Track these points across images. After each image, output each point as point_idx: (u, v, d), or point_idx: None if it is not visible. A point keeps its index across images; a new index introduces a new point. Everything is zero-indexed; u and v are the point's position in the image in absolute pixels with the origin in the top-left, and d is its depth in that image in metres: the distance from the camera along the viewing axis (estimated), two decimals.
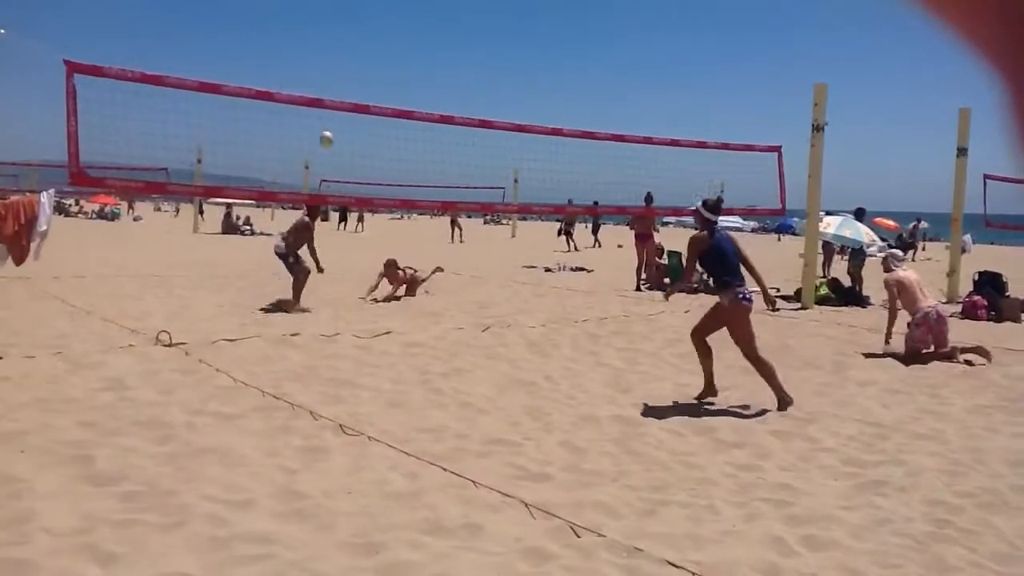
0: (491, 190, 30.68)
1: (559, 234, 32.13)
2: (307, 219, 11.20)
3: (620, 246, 30.94)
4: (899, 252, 10.22)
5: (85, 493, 4.29)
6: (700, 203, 7.05)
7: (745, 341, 6.77)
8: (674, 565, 3.69)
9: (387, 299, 12.21)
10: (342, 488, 4.53)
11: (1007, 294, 13.88)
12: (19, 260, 9.63)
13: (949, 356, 9.02)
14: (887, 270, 9.56)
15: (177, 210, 57.39)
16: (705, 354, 6.98)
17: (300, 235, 11.27)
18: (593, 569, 3.65)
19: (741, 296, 6.70)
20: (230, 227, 34.08)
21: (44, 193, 9.32)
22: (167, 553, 3.60)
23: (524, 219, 52.38)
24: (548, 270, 19.35)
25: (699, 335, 7.01)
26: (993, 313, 13.06)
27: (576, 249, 28.97)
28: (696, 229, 7.18)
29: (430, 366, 7.79)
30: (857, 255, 15.66)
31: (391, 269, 12.64)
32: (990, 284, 14.13)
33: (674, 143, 12.90)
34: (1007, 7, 0.31)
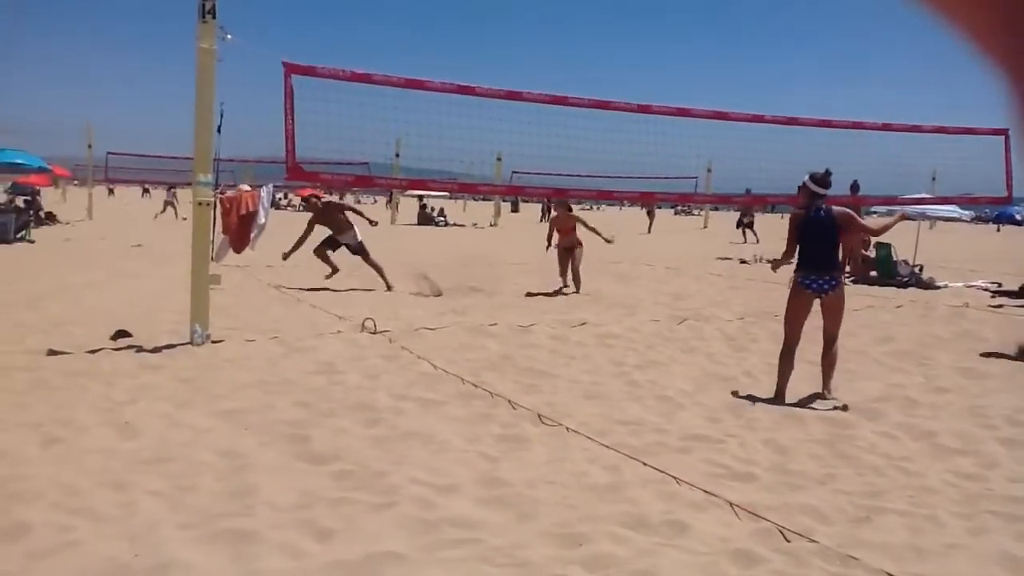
0: (683, 180, 30.22)
1: (737, 226, 30.93)
2: (314, 204, 12.14)
3: None
4: None
5: (302, 470, 4.53)
6: (807, 177, 6.62)
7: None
8: None
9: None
10: (542, 478, 4.55)
11: None
12: (239, 250, 10.34)
13: None
14: None
15: (375, 202, 60.07)
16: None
17: (333, 221, 11.86)
18: None
19: (800, 280, 6.54)
20: (425, 218, 35.29)
21: (264, 188, 9.95)
22: (379, 532, 3.74)
23: (716, 209, 51.22)
24: (743, 262, 18.79)
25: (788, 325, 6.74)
26: None
27: (757, 241, 27.57)
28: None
29: (626, 358, 7.72)
30: None
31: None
32: None
33: (885, 127, 12.15)
34: (1012, 8, 0.31)
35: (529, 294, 12.04)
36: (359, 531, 3.75)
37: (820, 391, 6.53)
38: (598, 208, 67.14)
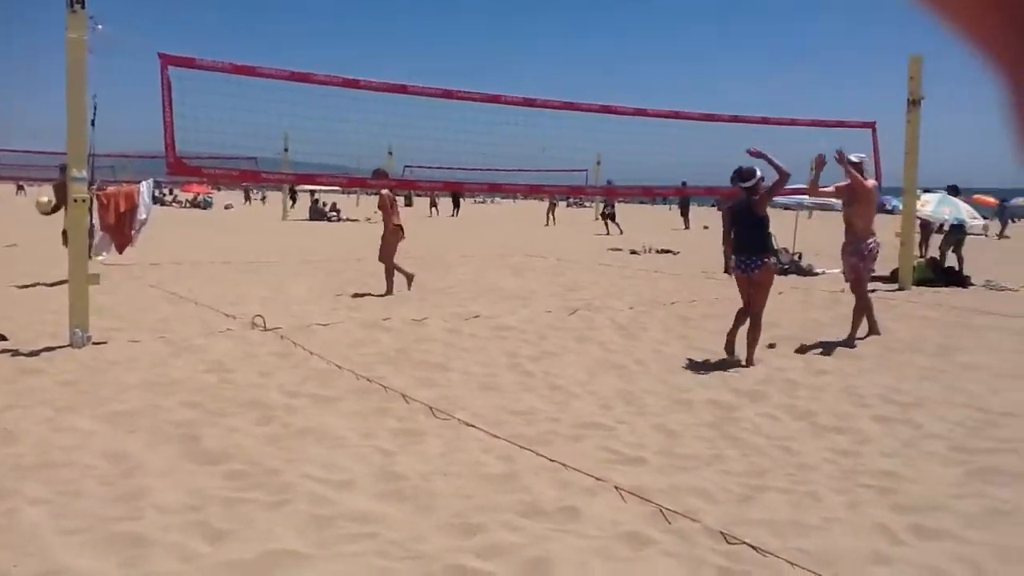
0: (574, 172, 30.59)
1: (600, 217, 30.40)
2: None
3: (706, 227, 30.46)
4: None
5: (193, 471, 4.42)
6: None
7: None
8: (775, 555, 3.61)
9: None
10: (438, 470, 4.57)
11: None
12: (121, 248, 9.98)
13: None
14: None
15: (263, 197, 58.64)
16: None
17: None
18: (694, 555, 3.59)
19: (733, 263, 7.59)
20: (317, 213, 34.73)
21: (143, 183, 9.63)
22: (273, 530, 3.69)
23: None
24: (634, 252, 19.19)
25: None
26: None
27: (621, 232, 27.36)
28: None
29: (520, 349, 7.80)
30: (955, 232, 15.11)
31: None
32: None
33: (764, 120, 12.58)
34: (1011, 10, 0.32)
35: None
36: (253, 530, 3.69)
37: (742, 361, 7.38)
38: (492, 200, 67.34)
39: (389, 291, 11.21)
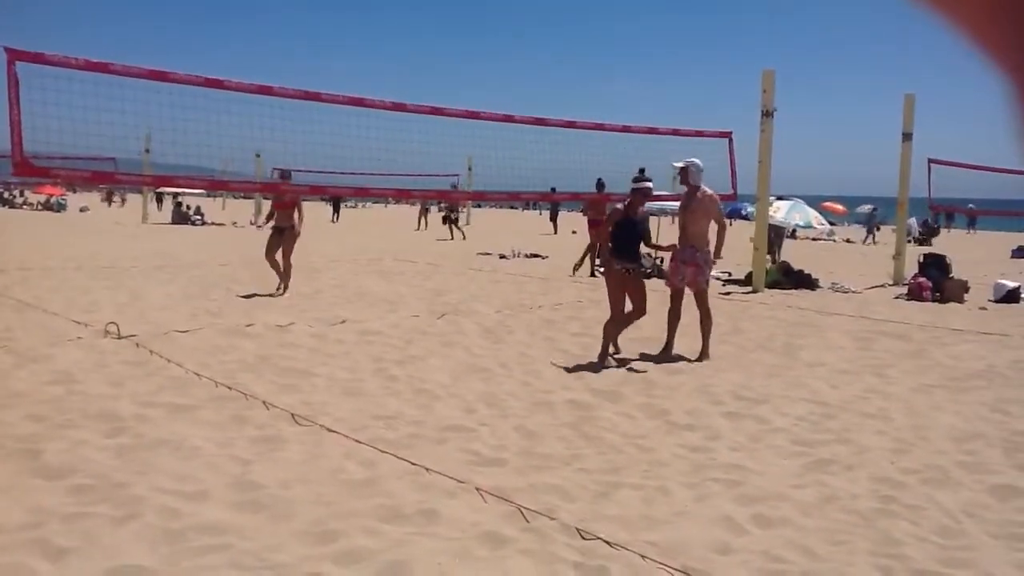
0: (445, 177, 30.61)
1: (443, 222, 28.69)
2: None
3: (574, 232, 31.03)
4: None
5: (34, 487, 4.23)
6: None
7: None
8: (627, 548, 3.75)
9: None
10: (297, 477, 4.53)
11: (951, 276, 14.20)
12: None
13: None
14: None
15: (123, 200, 56.16)
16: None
17: None
18: (549, 552, 3.69)
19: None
20: (180, 217, 33.57)
21: None
22: (120, 546, 3.58)
23: (479, 206, 52.32)
24: (503, 257, 19.38)
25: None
26: (938, 294, 13.37)
27: (464, 238, 26.40)
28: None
29: (385, 354, 7.78)
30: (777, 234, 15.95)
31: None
32: (935, 266, 14.45)
33: (626, 129, 12.97)
34: (1018, 12, 0.31)
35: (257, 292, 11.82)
36: (97, 547, 3.56)
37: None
38: (363, 205, 66.62)
39: (286, 287, 11.80)
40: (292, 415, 5.67)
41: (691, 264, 8.21)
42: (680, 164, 8.56)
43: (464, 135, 11.74)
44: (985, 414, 6.22)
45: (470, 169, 31.03)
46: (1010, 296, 13.41)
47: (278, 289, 11.66)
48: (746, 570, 3.56)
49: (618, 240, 7.97)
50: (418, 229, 33.01)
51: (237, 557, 3.53)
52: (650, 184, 8.11)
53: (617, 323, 7.95)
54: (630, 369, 7.53)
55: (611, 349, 7.91)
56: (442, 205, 56.10)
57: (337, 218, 38.86)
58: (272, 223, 12.06)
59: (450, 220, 27.84)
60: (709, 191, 8.40)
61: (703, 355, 8.11)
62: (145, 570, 3.38)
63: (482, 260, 18.49)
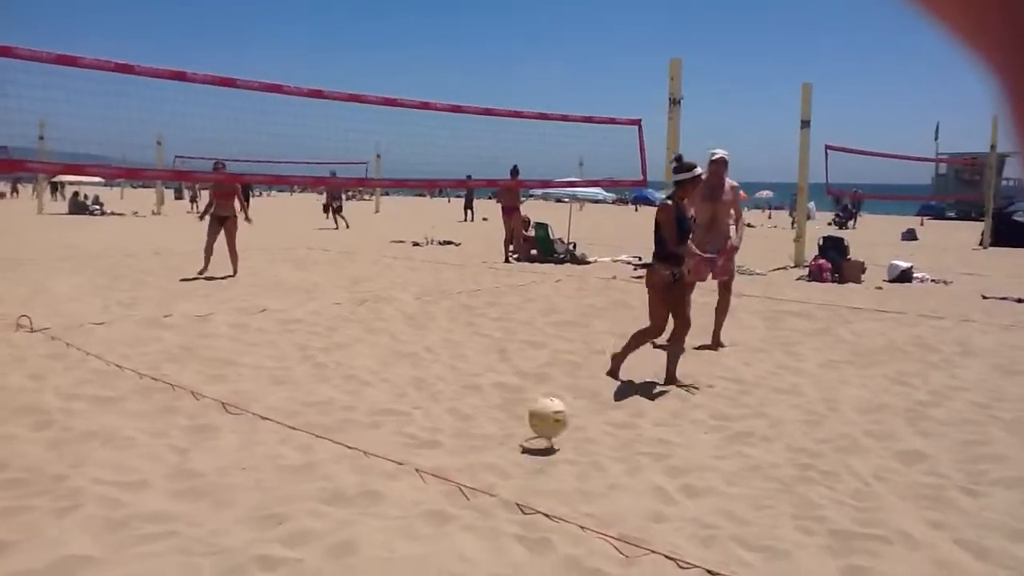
0: (354, 165, 30.33)
1: (324, 211, 27.65)
2: None
3: (485, 219, 31.18)
4: None
5: None
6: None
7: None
8: (566, 521, 3.90)
9: None
10: (235, 464, 4.54)
11: (848, 257, 14.84)
12: None
13: None
14: None
15: (15, 190, 53.73)
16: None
17: None
18: (492, 527, 3.82)
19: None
20: (78, 207, 32.38)
21: None
22: (63, 537, 3.55)
23: (387, 194, 51.94)
24: (416, 244, 19.39)
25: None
26: (836, 275, 13.98)
27: (348, 227, 25.49)
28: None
29: (310, 341, 7.78)
30: None
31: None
32: (833, 248, 15.07)
33: (541, 116, 13.13)
34: (1010, 12, 0.30)
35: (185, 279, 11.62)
36: (41, 539, 3.53)
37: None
38: (269, 194, 65.32)
39: (235, 271, 12.50)
40: (222, 404, 5.65)
41: (723, 253, 8.03)
42: (721, 154, 8.07)
43: (381, 122, 11.72)
44: (888, 386, 6.61)
45: (379, 157, 30.87)
46: (903, 276, 14.14)
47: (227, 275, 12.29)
48: (681, 536, 3.75)
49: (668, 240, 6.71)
50: (327, 218, 32.63)
51: (184, 543, 3.55)
52: (700, 170, 6.84)
53: (649, 335, 6.82)
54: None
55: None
56: (349, 193, 55.48)
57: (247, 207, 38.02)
58: (211, 213, 12.69)
59: (332, 208, 26.58)
60: (734, 183, 8.23)
61: (717, 343, 8.09)
62: (93, 560, 3.38)
63: (396, 248, 18.46)
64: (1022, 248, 22.37)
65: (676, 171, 6.70)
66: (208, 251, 12.45)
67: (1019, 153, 0.29)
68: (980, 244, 23.21)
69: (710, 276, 8.17)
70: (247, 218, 13.14)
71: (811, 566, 3.48)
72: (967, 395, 6.34)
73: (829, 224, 32.39)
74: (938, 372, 7.09)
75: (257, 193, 47.33)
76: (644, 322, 6.84)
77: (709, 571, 3.41)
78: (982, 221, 25.17)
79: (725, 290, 8.30)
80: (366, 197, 52.93)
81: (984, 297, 12.16)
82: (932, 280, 14.36)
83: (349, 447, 4.87)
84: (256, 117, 9.79)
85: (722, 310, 8.28)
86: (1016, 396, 6.32)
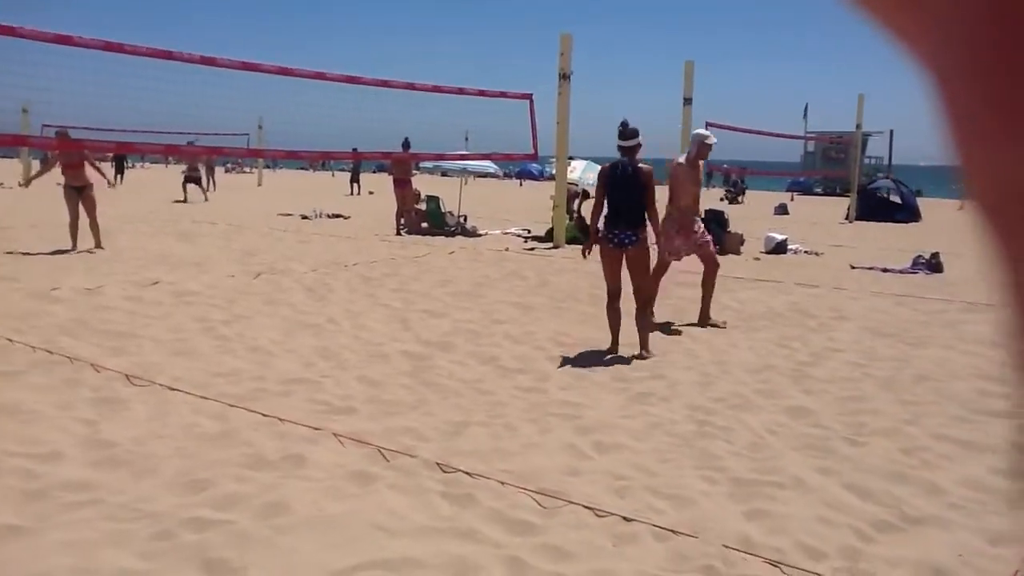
0: (236, 136, 29.59)
1: (184, 184, 24.86)
2: None
3: (372, 192, 30.91)
4: None
5: None
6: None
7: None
8: (486, 477, 4.08)
9: None
10: (150, 434, 4.53)
11: (728, 230, 15.48)
12: None
13: None
14: None
15: None
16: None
17: None
18: (416, 484, 3.97)
19: (603, 235, 6.76)
20: None
21: None
22: None
23: (269, 167, 50.68)
24: (305, 217, 19.12)
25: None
26: (718, 247, 14.57)
27: (206, 199, 24.11)
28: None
29: (209, 314, 7.68)
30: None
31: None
32: (715, 221, 15.68)
33: (436, 89, 13.19)
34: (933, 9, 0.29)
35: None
36: None
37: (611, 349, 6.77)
38: (142, 165, 62.70)
39: (98, 243, 11.86)
40: (126, 376, 5.58)
41: (683, 234, 7.99)
42: (714, 140, 8.05)
43: (269, 92, 11.56)
44: (772, 349, 7.04)
45: (260, 127, 30.17)
46: (779, 248, 14.87)
47: (92, 249, 11.71)
48: (596, 487, 3.99)
49: (608, 203, 6.70)
50: (205, 190, 31.67)
51: (111, 511, 3.56)
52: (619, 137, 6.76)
53: (612, 312, 6.83)
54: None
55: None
56: (228, 164, 53.84)
57: (121, 179, 36.24)
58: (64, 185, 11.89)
59: (192, 180, 24.70)
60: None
61: (706, 319, 7.98)
62: (18, 528, 3.36)
63: (284, 221, 18.18)
64: (884, 222, 23.74)
65: (621, 136, 6.71)
66: (73, 227, 11.62)
67: (950, 147, 0.28)
68: (846, 218, 24.48)
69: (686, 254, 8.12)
70: (110, 183, 12.54)
71: (717, 511, 3.77)
72: (843, 356, 6.83)
73: (721, 200, 33.56)
74: (816, 335, 7.58)
75: (130, 164, 45.33)
76: (536, 291, 7.06)
77: (625, 518, 3.65)
78: (847, 197, 26.53)
79: (714, 264, 8.15)
80: (247, 170, 51.55)
81: (852, 267, 12.92)
82: (805, 251, 15.14)
83: (264, 415, 4.91)
84: (143, 84, 9.50)
85: (712, 283, 8.09)
86: (887, 356, 6.85)
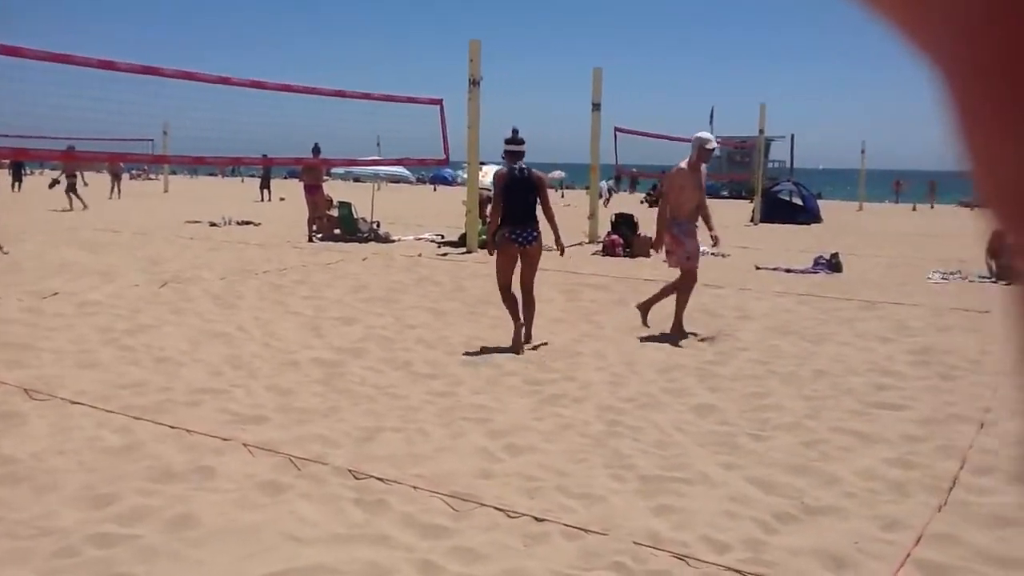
0: (140, 142, 28.76)
1: (63, 189, 23.19)
2: None
3: (283, 199, 30.45)
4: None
5: None
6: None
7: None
8: (399, 483, 4.09)
9: None
10: (51, 449, 4.40)
11: (639, 233, 15.76)
12: None
13: None
14: None
15: None
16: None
17: None
18: (328, 493, 3.95)
19: (507, 234, 7.11)
20: None
21: None
22: None
23: (175, 173, 49.43)
24: (214, 224, 18.73)
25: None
26: (628, 250, 14.85)
27: (85, 207, 22.35)
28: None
29: (113, 324, 7.48)
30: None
31: None
32: (625, 224, 15.96)
33: (339, 94, 13.09)
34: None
35: None
36: None
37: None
38: (40, 172, 60.35)
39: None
40: (25, 390, 5.40)
41: (693, 238, 7.88)
42: (716, 145, 8.04)
43: (173, 97, 11.30)
44: (680, 349, 7.22)
45: (165, 133, 29.39)
46: None
47: None
48: (507, 489, 4.04)
49: (508, 205, 7.14)
50: (110, 197, 30.72)
51: (10, 528, 3.46)
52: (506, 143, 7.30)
53: (511, 305, 7.18)
54: None
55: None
56: (133, 171, 52.23)
57: (19, 187, 34.59)
58: None
59: (67, 187, 23.13)
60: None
61: (679, 330, 7.80)
62: None
63: (192, 228, 17.77)
64: (787, 223, 24.49)
65: (508, 142, 7.23)
66: None
67: (957, 145, 0.28)
68: (751, 220, 25.17)
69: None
70: None
71: (626, 508, 3.87)
72: (748, 354, 7.05)
73: (642, 202, 34.32)
74: (722, 335, 7.80)
75: (28, 172, 43.56)
76: (450, 296, 7.09)
77: (536, 518, 3.71)
78: (751, 200, 27.28)
79: (694, 274, 7.93)
80: (152, 177, 50.17)
81: (757, 268, 13.31)
82: (712, 253, 15.50)
83: (171, 426, 4.82)
84: (41, 90, 9.20)
85: (685, 293, 7.92)
86: (790, 353, 7.10)
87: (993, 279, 12.05)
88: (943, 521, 3.81)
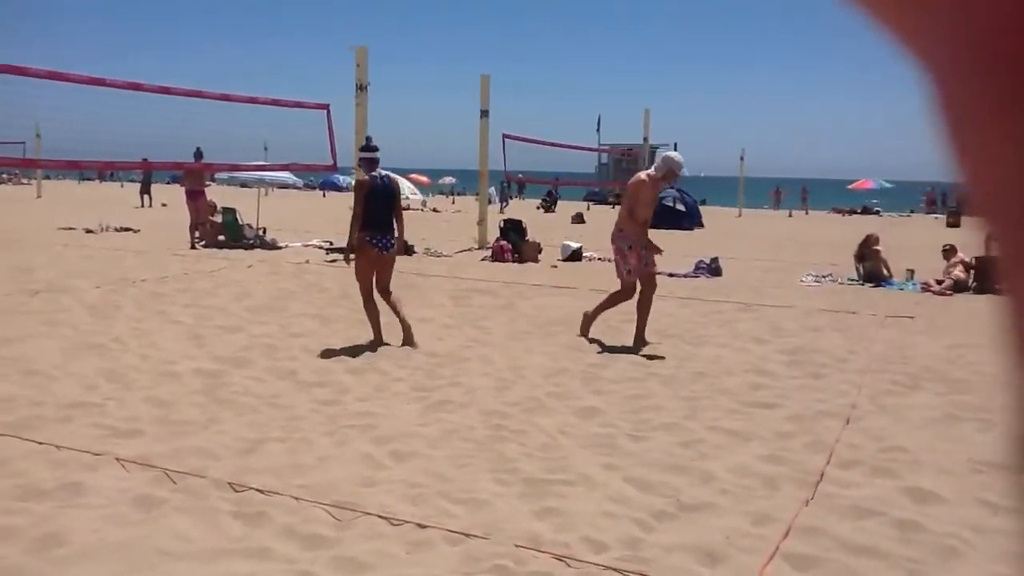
0: (7, 144, 27.36)
1: None
2: None
3: (164, 204, 29.50)
4: None
5: None
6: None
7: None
8: (280, 494, 4.04)
9: None
10: None
11: (527, 239, 15.93)
12: None
13: None
14: None
15: None
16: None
17: None
18: (205, 506, 3.87)
19: (367, 239, 7.34)
20: None
21: None
22: None
23: (48, 177, 47.23)
24: (90, 231, 17.99)
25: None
26: (516, 255, 14.98)
27: None
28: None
29: None
30: None
31: None
32: (513, 230, 16.11)
33: (225, 97, 12.79)
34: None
35: None
36: None
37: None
38: None
39: None
40: None
41: (652, 249, 7.87)
42: (686, 172, 8.20)
43: (48, 98, 10.84)
44: (566, 353, 7.34)
45: (38, 136, 28.09)
46: (574, 255, 15.45)
47: None
48: (391, 497, 4.03)
49: (368, 211, 7.32)
50: None
51: None
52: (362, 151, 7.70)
53: (372, 308, 7.52)
54: None
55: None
56: (3, 175, 49.58)
57: None
58: None
59: None
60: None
61: (641, 341, 7.74)
62: None
63: (66, 235, 17.02)
64: (671, 229, 25.12)
65: (363, 149, 7.62)
66: None
67: (943, 145, 0.28)
68: None
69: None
70: None
71: (509, 511, 3.91)
72: (630, 357, 7.22)
73: (537, 208, 34.61)
74: (607, 338, 7.96)
75: None
76: (337, 303, 7.03)
77: (419, 524, 3.72)
78: None
79: (653, 286, 7.94)
80: (24, 181, 47.82)
81: None
82: (599, 259, 15.81)
83: (39, 442, 4.62)
84: None
85: (648, 305, 7.87)
86: (670, 355, 7.31)
87: (861, 282, 12.69)
88: (810, 514, 4.00)
